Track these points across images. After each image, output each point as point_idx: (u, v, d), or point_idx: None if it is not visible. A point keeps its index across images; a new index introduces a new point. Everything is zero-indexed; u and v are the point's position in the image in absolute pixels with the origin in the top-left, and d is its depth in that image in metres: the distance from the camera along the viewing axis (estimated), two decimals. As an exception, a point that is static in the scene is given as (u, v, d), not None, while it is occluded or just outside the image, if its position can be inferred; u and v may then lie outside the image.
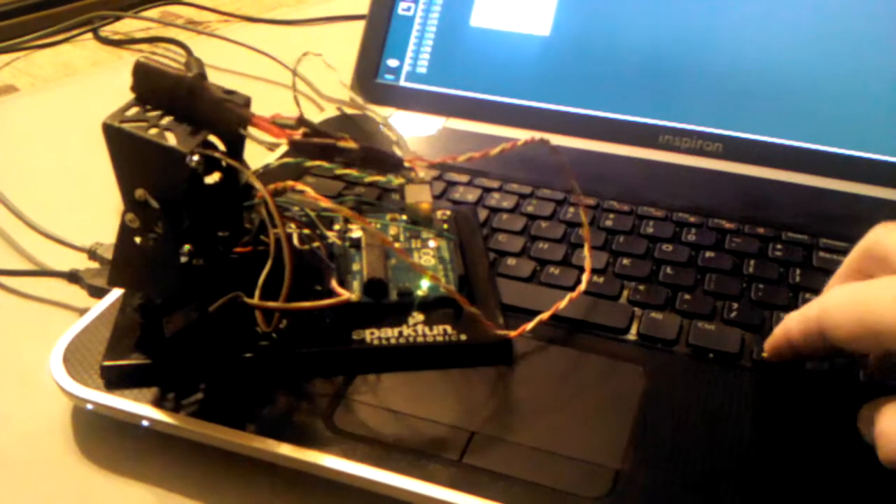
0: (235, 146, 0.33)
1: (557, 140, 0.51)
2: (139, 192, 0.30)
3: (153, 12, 0.82)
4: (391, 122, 0.52)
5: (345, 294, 0.34)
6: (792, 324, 0.32)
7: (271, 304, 0.32)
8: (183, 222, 0.32)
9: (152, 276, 0.32)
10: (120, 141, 0.30)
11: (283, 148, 0.50)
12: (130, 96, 0.31)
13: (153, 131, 0.30)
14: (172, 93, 0.30)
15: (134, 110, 0.31)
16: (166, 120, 0.31)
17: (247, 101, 0.32)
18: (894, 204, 0.46)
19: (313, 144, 0.32)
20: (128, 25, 0.79)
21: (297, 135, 0.32)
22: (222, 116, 0.31)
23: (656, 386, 0.34)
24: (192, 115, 0.31)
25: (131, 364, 0.33)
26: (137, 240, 0.31)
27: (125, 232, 0.31)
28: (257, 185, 0.32)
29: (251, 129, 0.32)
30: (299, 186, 0.33)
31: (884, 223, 0.32)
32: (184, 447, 0.33)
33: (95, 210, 0.48)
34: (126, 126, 0.30)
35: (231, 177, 0.34)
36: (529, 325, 0.35)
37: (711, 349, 0.35)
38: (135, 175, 0.30)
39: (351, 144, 0.32)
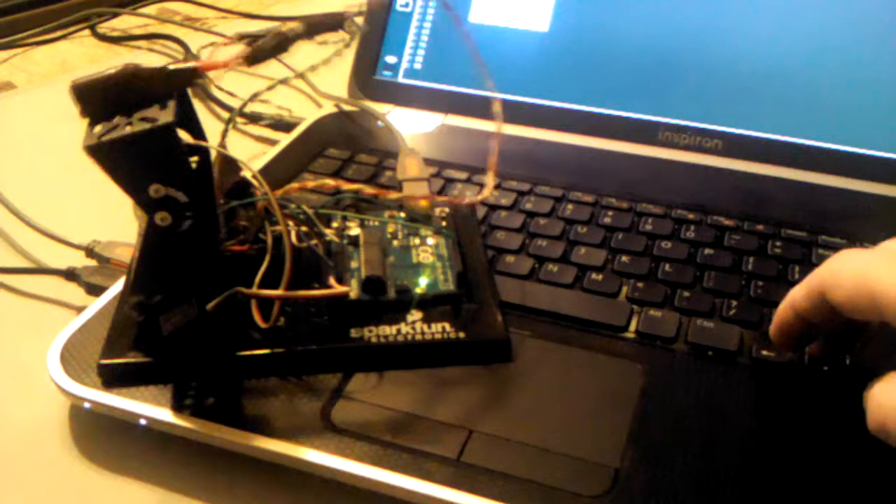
0: (190, 117, 0.33)
1: (557, 137, 0.51)
2: (154, 189, 0.30)
3: (151, 9, 0.81)
4: (389, 118, 0.52)
5: (342, 287, 0.34)
6: (796, 293, 0.32)
7: (269, 291, 0.32)
8: (213, 201, 0.31)
9: (190, 268, 0.32)
10: (110, 154, 0.29)
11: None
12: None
13: (130, 128, 0.29)
14: (117, 91, 0.30)
15: (98, 127, 0.30)
16: (130, 118, 0.30)
17: (184, 58, 0.32)
18: (893, 200, 0.45)
19: (266, 49, 0.34)
20: (125, 22, 0.79)
21: (245, 52, 0.33)
22: (175, 81, 0.31)
23: (655, 384, 0.34)
24: (145, 98, 0.30)
25: (129, 362, 0.33)
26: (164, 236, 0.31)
27: (153, 234, 0.31)
28: (260, 182, 0.32)
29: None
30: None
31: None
32: (181, 445, 0.32)
33: (93, 207, 0.48)
34: (107, 137, 0.29)
35: (204, 157, 0.33)
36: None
37: (710, 346, 0.35)
38: (139, 177, 0.30)
39: (294, 24, 0.34)
